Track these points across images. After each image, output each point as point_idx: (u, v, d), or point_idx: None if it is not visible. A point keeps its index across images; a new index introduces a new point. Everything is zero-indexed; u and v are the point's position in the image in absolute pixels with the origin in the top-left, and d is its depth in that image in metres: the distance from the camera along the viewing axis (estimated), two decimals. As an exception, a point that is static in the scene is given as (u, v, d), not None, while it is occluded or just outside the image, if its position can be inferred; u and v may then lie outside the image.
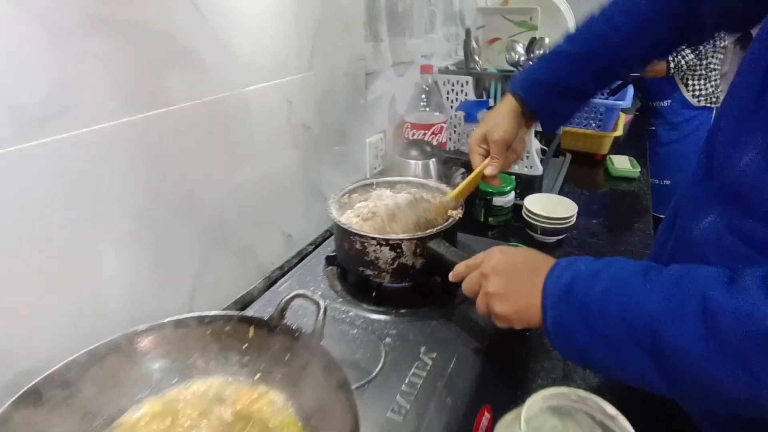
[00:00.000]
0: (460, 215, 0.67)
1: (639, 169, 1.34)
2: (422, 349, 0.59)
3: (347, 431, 0.39)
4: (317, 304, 0.48)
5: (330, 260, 0.76)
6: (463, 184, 0.68)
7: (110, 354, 0.47)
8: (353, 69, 0.92)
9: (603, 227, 1.10)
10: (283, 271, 0.80)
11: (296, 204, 0.82)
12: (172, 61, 0.53)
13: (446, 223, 0.65)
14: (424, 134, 1.06)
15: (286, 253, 0.82)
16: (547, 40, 1.11)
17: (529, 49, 1.10)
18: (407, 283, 0.67)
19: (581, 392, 0.37)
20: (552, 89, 0.65)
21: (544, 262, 0.44)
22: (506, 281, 0.46)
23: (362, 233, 0.62)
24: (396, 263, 0.63)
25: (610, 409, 0.36)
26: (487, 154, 0.67)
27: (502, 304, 0.45)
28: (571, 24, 1.27)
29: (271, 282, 0.77)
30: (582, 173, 1.42)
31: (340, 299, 0.69)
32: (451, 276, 0.54)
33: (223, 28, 0.59)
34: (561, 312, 0.39)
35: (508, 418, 0.39)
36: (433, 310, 0.66)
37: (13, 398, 0.40)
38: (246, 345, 0.51)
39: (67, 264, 0.48)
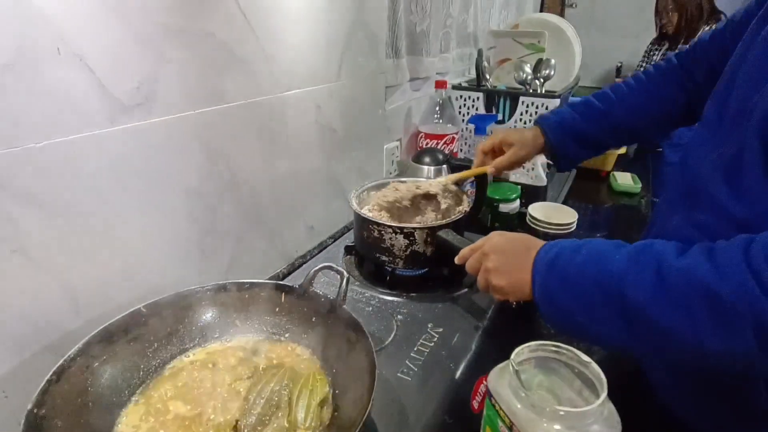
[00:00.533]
0: (467, 210, 0.75)
1: (640, 185, 1.41)
2: (430, 325, 0.67)
3: (365, 374, 0.47)
4: (341, 273, 0.56)
5: (348, 250, 0.84)
6: (464, 173, 0.78)
7: (165, 309, 0.56)
8: (375, 81, 1.02)
9: (603, 238, 1.17)
10: (305, 259, 0.88)
11: (320, 198, 0.91)
12: (228, 66, 0.63)
13: (455, 216, 0.73)
14: (437, 144, 1.15)
15: (308, 242, 0.91)
16: (552, 61, 1.21)
17: (536, 69, 1.20)
18: (418, 270, 0.75)
19: (560, 344, 0.44)
20: (574, 136, 0.75)
21: (535, 243, 0.52)
22: (503, 258, 0.53)
23: (380, 221, 0.71)
24: (409, 250, 0.71)
25: (584, 357, 0.43)
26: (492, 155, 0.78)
27: (499, 277, 0.53)
28: (576, 48, 1.36)
29: (294, 268, 0.85)
30: (587, 187, 1.49)
31: (357, 283, 0.77)
32: (457, 258, 0.62)
33: (269, 42, 0.69)
34: (546, 280, 0.47)
35: (501, 365, 0.46)
36: (440, 296, 0.74)
37: (87, 337, 0.49)
38: (278, 308, 0.59)
39: (137, 225, 0.57)
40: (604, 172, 1.55)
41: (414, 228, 0.69)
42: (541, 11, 2.14)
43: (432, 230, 0.70)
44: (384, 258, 0.73)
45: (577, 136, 0.75)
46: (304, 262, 0.87)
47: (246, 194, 0.72)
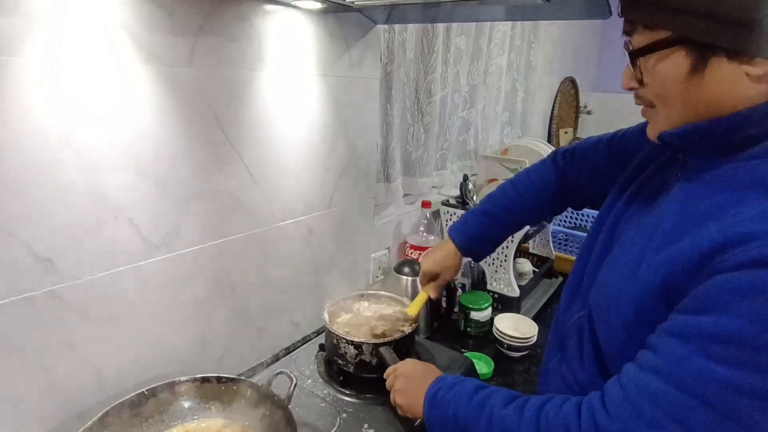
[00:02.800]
0: (410, 331, 0.92)
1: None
2: (365, 426, 0.82)
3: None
4: (291, 379, 0.75)
5: (321, 347, 1.02)
6: (415, 302, 0.95)
7: (161, 393, 0.76)
8: (364, 203, 1.24)
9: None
10: (288, 350, 1.07)
11: (306, 301, 1.11)
12: (235, 210, 0.88)
13: (397, 336, 0.90)
14: (419, 254, 1.33)
15: (293, 336, 1.10)
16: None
17: (511, 195, 1.39)
18: (365, 374, 0.92)
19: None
20: (477, 239, 0.93)
21: (433, 375, 0.68)
22: (407, 383, 0.70)
23: (337, 333, 0.89)
24: (358, 358, 0.88)
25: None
26: (431, 279, 0.94)
27: (401, 397, 0.69)
28: (556, 174, 1.54)
29: (277, 358, 1.04)
30: (571, 296, 1.60)
31: (321, 378, 0.94)
32: (384, 374, 0.79)
33: (269, 189, 0.94)
34: (429, 411, 0.62)
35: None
36: (383, 397, 0.88)
37: (101, 412, 0.69)
38: (244, 400, 0.78)
39: (153, 326, 0.79)
40: (590, 282, 1.65)
41: (361, 342, 0.87)
42: (550, 122, 2.36)
43: (376, 345, 0.87)
44: (340, 362, 0.91)
45: (480, 238, 0.92)
46: (287, 353, 1.06)
47: (241, 300, 0.94)
